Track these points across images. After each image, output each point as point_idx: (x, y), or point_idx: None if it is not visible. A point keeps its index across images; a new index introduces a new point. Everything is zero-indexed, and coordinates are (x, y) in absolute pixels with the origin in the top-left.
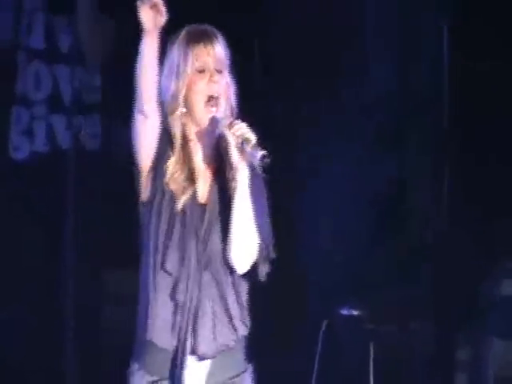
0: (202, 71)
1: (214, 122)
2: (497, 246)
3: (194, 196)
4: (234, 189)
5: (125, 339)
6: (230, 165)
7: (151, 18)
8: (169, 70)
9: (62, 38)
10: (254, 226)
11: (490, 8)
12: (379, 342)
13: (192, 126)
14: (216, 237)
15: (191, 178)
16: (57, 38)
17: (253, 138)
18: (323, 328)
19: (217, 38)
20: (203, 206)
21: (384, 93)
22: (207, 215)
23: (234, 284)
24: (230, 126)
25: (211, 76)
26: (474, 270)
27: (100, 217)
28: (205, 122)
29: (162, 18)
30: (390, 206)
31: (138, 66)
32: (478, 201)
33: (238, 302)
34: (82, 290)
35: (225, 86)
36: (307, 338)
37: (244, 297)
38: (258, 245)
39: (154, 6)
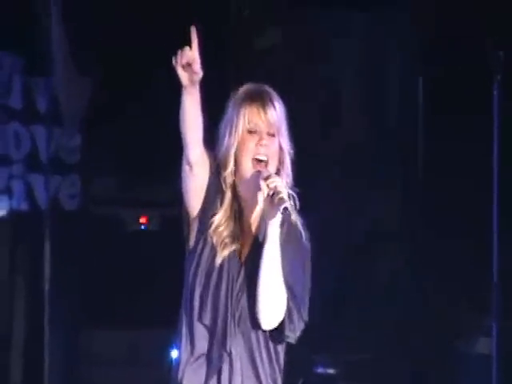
0: (253, 132)
1: (257, 178)
2: (468, 302)
3: (234, 253)
4: (265, 243)
5: None
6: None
7: (186, 76)
8: (224, 126)
9: (40, 98)
10: (282, 281)
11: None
12: None
13: (241, 185)
14: (248, 296)
15: (235, 236)
16: (35, 99)
17: (284, 192)
18: None
19: (272, 100)
20: (241, 263)
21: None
22: (243, 273)
23: (266, 343)
24: (267, 178)
25: (261, 139)
26: (445, 325)
27: (77, 277)
28: (252, 181)
29: (198, 76)
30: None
31: (180, 117)
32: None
33: (269, 361)
34: (56, 349)
35: (276, 150)
36: None
37: (279, 357)
38: (286, 303)
39: (187, 65)
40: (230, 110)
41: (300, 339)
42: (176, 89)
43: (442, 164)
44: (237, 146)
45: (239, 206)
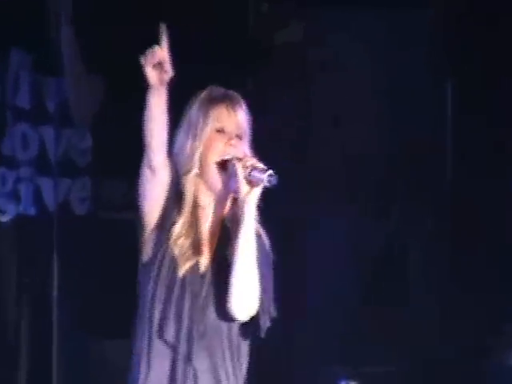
0: (221, 132)
1: (225, 172)
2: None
3: (196, 265)
4: (241, 225)
5: None
6: (240, 204)
7: (156, 75)
8: (186, 129)
9: (49, 97)
10: (256, 267)
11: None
12: None
13: (203, 190)
14: (213, 310)
15: (196, 246)
16: (43, 98)
17: (262, 165)
18: None
19: (240, 103)
20: (203, 276)
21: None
22: (206, 285)
23: (232, 356)
24: (242, 159)
25: (230, 139)
26: (478, 338)
27: (87, 283)
28: (216, 185)
29: (168, 75)
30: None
31: (145, 120)
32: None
33: (233, 373)
34: (67, 357)
35: (243, 153)
36: None
37: (243, 369)
38: (258, 294)
39: (157, 65)
40: (193, 111)
41: (323, 350)
42: (189, 89)
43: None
44: (203, 148)
45: (199, 214)
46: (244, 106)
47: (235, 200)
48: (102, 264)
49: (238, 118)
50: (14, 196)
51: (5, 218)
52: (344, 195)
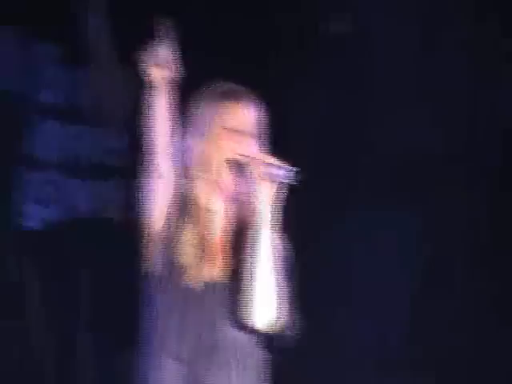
0: (231, 129)
1: (237, 169)
2: None
3: (203, 273)
4: (256, 228)
5: None
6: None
7: (159, 74)
8: (194, 129)
9: (81, 93)
10: (275, 276)
11: None
12: None
13: (212, 193)
14: (222, 320)
15: (205, 253)
16: (74, 94)
17: (277, 161)
18: None
19: (249, 98)
20: (214, 286)
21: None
22: (217, 296)
23: (245, 369)
24: (255, 157)
25: (241, 137)
26: None
27: (119, 292)
28: (227, 186)
29: (172, 74)
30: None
31: (146, 122)
32: None
33: None
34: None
35: (255, 151)
36: None
37: (260, 382)
38: (278, 299)
39: (162, 64)
40: (201, 109)
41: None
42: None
43: None
44: (211, 148)
45: (207, 219)
46: (255, 103)
47: (248, 202)
48: (138, 274)
49: (249, 115)
50: (42, 201)
51: (31, 225)
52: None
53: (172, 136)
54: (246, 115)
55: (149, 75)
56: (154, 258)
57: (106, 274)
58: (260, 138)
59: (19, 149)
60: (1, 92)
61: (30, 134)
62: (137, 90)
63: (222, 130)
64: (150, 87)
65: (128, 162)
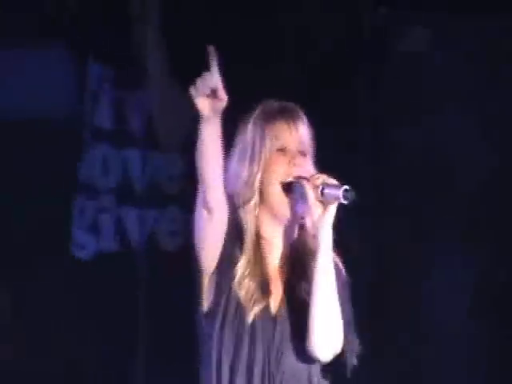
0: (282, 150)
1: (289, 195)
2: None
3: (266, 307)
4: (317, 254)
5: None
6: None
7: (209, 105)
8: (241, 153)
9: (133, 116)
10: (338, 302)
11: None
12: None
13: (267, 219)
14: (289, 356)
15: (264, 286)
16: (127, 117)
17: (334, 180)
18: None
19: (300, 116)
20: (275, 319)
21: None
22: (279, 330)
23: None
24: (310, 179)
25: (293, 158)
26: None
27: (175, 327)
28: (282, 211)
29: (223, 103)
30: None
31: (197, 154)
32: None
33: None
34: None
35: (309, 172)
36: None
37: None
38: (342, 329)
39: (211, 94)
40: (248, 131)
41: None
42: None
43: None
44: (262, 172)
45: (263, 248)
46: (304, 118)
47: (303, 227)
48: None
49: (300, 133)
50: (94, 229)
51: (83, 254)
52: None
53: (223, 168)
54: (296, 133)
55: (199, 106)
56: (209, 294)
57: (161, 310)
58: (313, 156)
59: (73, 176)
60: (56, 116)
61: (82, 160)
62: (192, 119)
63: (274, 152)
64: (202, 118)
65: (183, 191)
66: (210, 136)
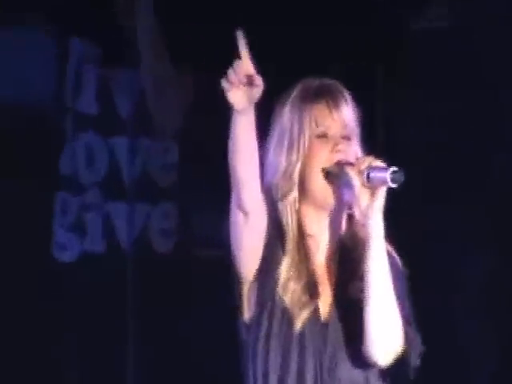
0: (323, 136)
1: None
2: None
3: (315, 312)
4: (367, 246)
5: None
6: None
7: (244, 95)
8: (277, 140)
9: (122, 100)
10: (395, 298)
11: None
12: None
13: (309, 213)
14: (344, 363)
15: (312, 288)
16: (114, 101)
17: (380, 162)
18: None
19: (343, 95)
20: (326, 325)
21: None
22: (331, 336)
23: None
24: (355, 164)
25: (336, 144)
26: None
27: (166, 332)
28: (327, 202)
29: (260, 89)
30: None
31: (230, 151)
32: None
33: None
34: None
35: (354, 157)
36: None
37: None
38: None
39: (247, 82)
40: (284, 116)
41: None
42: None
43: None
44: (302, 161)
45: (308, 245)
46: (348, 97)
47: (351, 218)
48: (185, 312)
49: (343, 115)
50: (78, 228)
51: (66, 256)
52: None
53: (259, 165)
54: (339, 116)
55: (234, 100)
56: (250, 302)
57: (152, 318)
58: (358, 138)
59: (53, 168)
60: (33, 100)
61: (63, 151)
62: (191, 98)
63: (313, 138)
64: (236, 111)
65: (179, 181)
66: (245, 129)
